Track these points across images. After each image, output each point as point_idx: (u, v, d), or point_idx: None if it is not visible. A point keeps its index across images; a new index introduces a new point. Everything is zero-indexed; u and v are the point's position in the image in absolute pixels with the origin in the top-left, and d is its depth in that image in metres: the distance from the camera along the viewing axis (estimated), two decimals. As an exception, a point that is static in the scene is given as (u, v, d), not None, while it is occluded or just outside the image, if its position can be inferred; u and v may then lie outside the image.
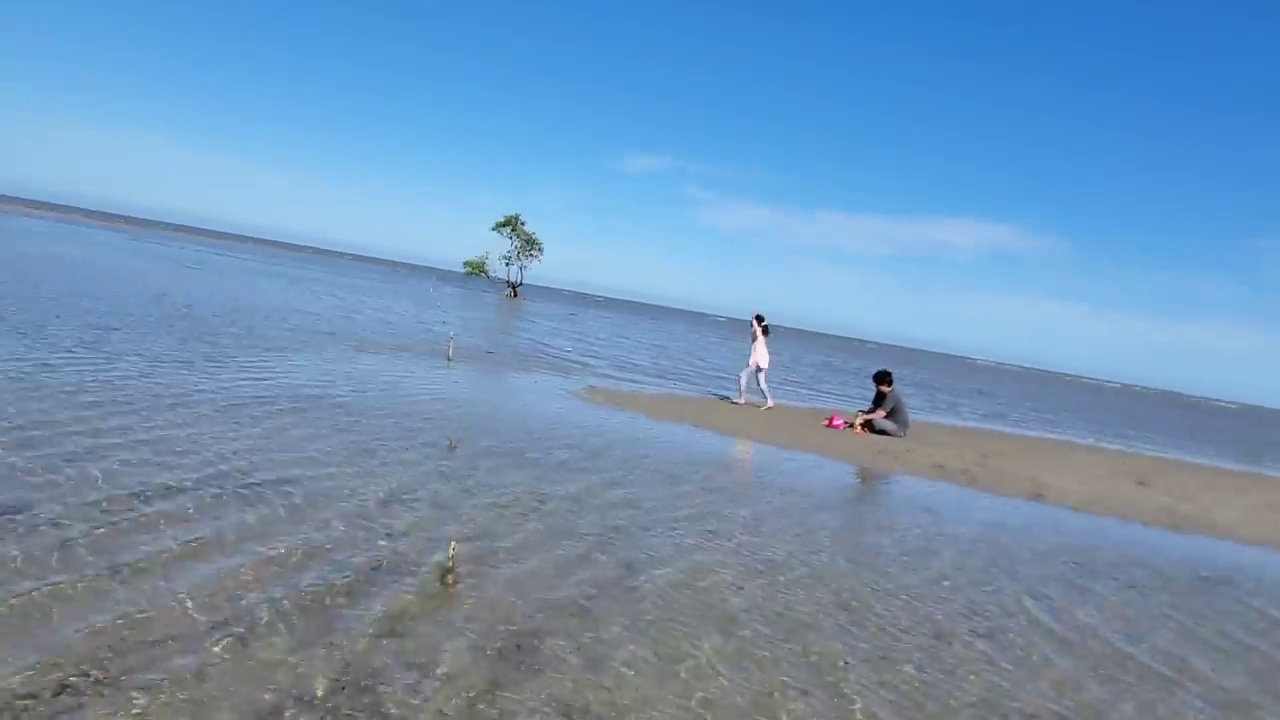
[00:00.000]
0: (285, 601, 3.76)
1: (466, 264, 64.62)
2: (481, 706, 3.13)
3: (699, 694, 3.48)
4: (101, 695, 2.85)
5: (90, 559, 3.89)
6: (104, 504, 4.61)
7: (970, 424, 19.35)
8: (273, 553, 4.31)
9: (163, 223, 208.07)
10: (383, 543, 4.71)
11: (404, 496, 5.69)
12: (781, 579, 5.19)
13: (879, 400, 13.94)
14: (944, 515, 8.01)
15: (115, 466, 5.30)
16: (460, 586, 4.24)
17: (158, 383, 8.29)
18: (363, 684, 3.17)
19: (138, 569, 3.87)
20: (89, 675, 2.96)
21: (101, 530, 4.24)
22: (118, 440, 5.92)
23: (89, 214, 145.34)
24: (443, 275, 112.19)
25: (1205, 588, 6.70)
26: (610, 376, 17.14)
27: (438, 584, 4.23)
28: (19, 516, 4.26)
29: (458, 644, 3.61)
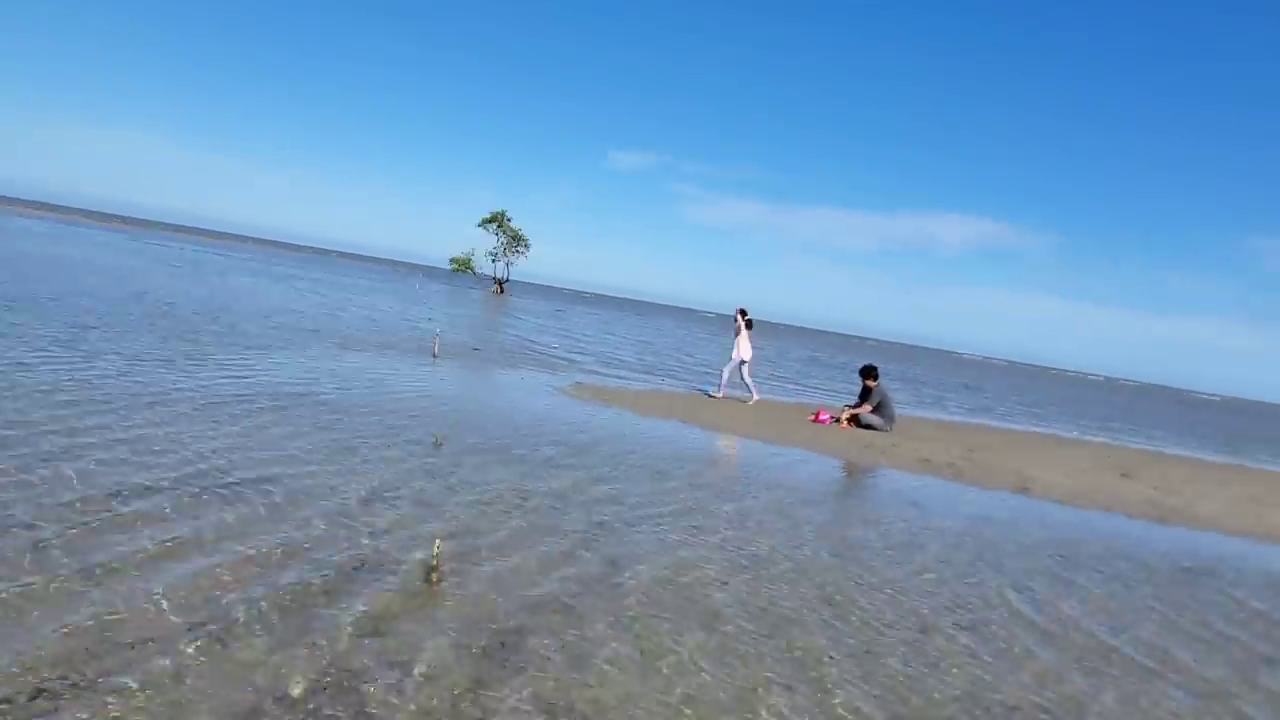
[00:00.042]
0: (265, 601, 3.71)
1: (453, 261, 64.39)
2: (465, 705, 3.10)
3: (682, 690, 3.46)
4: (78, 698, 2.80)
5: (65, 560, 3.83)
6: (78, 504, 4.53)
7: (957, 418, 19.46)
8: (252, 552, 4.26)
9: (162, 223, 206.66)
10: (365, 541, 4.66)
11: (386, 494, 5.64)
12: (766, 574, 5.18)
13: (865, 395, 13.98)
14: (930, 509, 8.03)
15: (91, 466, 5.22)
16: (444, 584, 4.20)
17: (136, 381, 8.18)
18: (345, 684, 3.13)
19: (112, 570, 3.80)
20: (66, 678, 2.90)
21: (75, 531, 4.17)
22: (94, 440, 5.83)
23: (88, 214, 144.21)
24: (429, 272, 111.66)
25: (1188, 579, 6.75)
26: (597, 373, 17.11)
27: (421, 582, 4.19)
28: (-9, 517, 4.18)
29: (441, 642, 3.58)
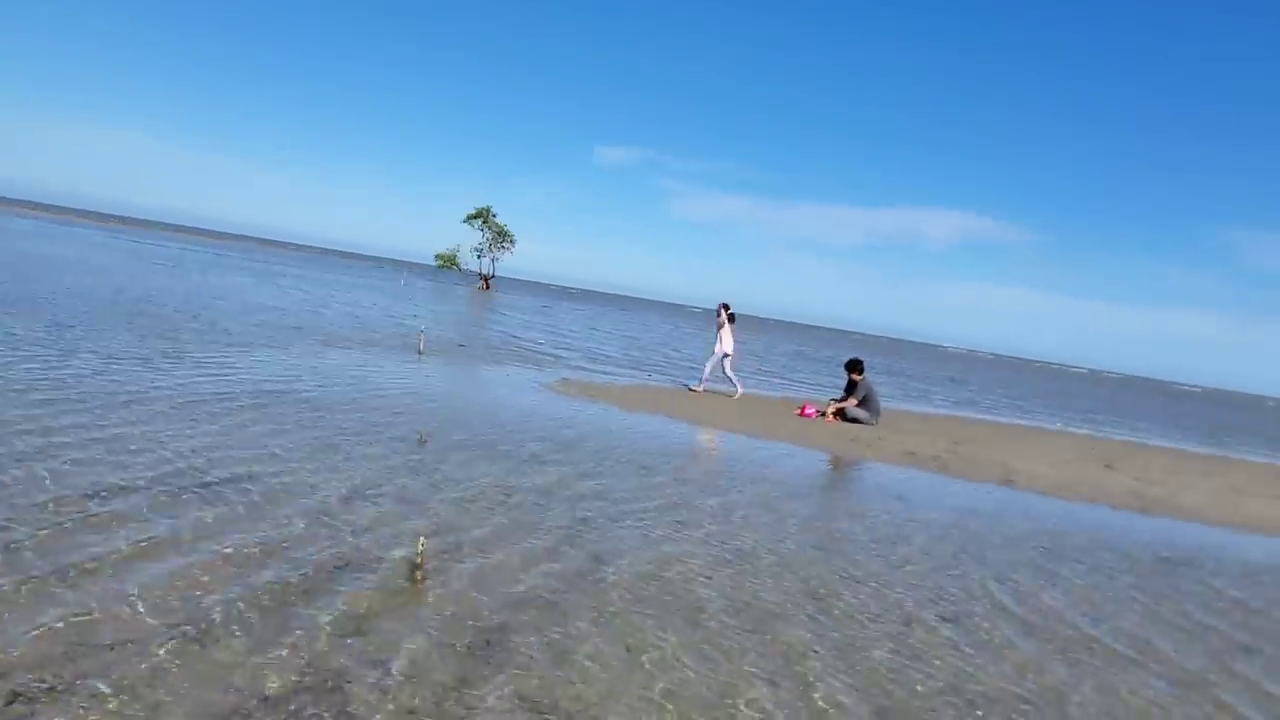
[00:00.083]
0: (243, 601, 3.66)
1: (438, 257, 64.08)
2: (449, 704, 3.07)
3: (664, 686, 3.44)
4: (55, 702, 2.75)
5: (37, 561, 3.76)
6: (51, 505, 4.45)
7: (942, 411, 19.56)
8: (230, 551, 4.20)
9: (161, 223, 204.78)
10: (348, 539, 4.62)
11: (368, 492, 5.59)
12: (750, 568, 5.17)
13: (851, 388, 14.02)
14: (915, 502, 8.06)
15: (65, 466, 5.14)
16: (427, 582, 4.16)
17: (113, 380, 8.07)
18: (328, 684, 3.09)
19: (86, 570, 3.74)
20: (43, 682, 2.85)
21: (47, 531, 4.09)
22: (69, 439, 5.74)
23: (85, 214, 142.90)
24: (414, 269, 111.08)
25: (1168, 569, 6.81)
26: (583, 368, 17.07)
27: (404, 580, 4.15)
28: (-38, 519, 4.10)
29: (423, 640, 3.54)
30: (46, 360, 8.48)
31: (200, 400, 7.77)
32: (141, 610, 3.46)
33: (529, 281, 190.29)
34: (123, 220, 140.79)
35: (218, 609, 3.56)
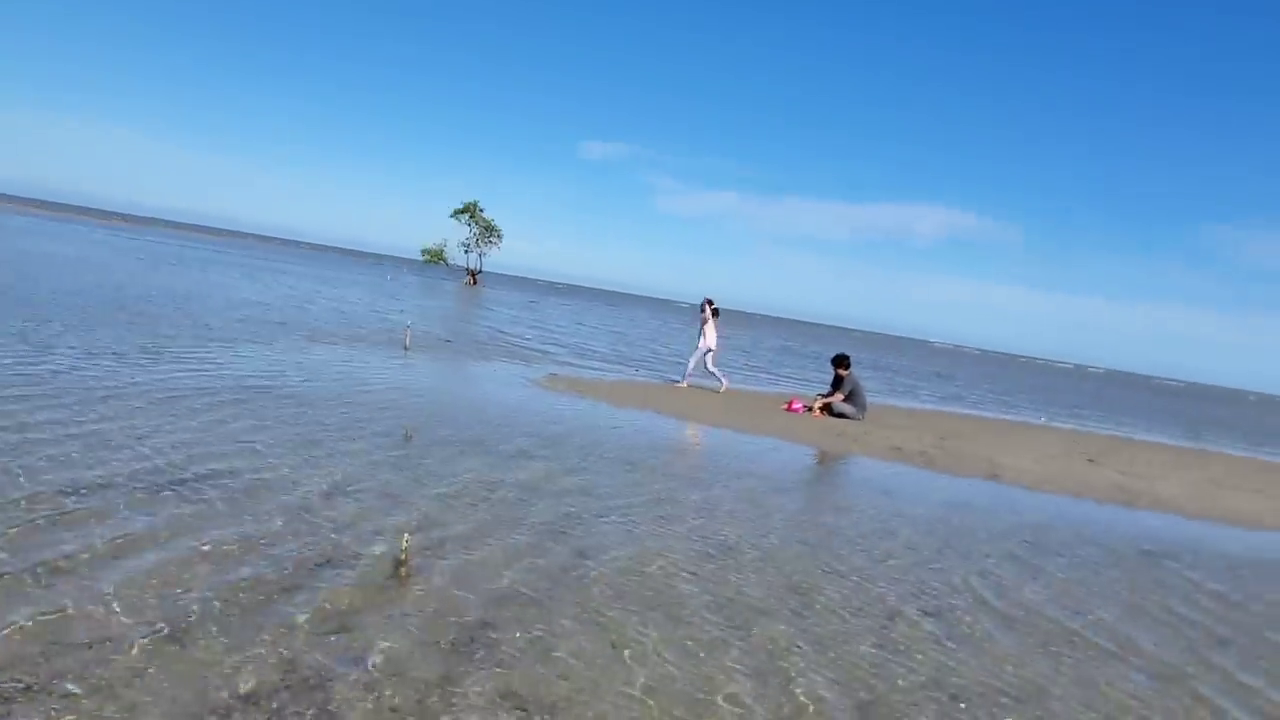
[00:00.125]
0: (223, 599, 3.62)
1: (425, 252, 63.70)
2: (432, 700, 3.05)
3: (646, 681, 3.43)
4: (32, 701, 2.71)
5: (9, 559, 3.70)
6: (24, 502, 4.38)
7: (928, 406, 19.66)
8: (208, 548, 4.15)
9: (162, 220, 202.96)
10: (330, 535, 4.58)
11: (350, 488, 5.54)
12: (733, 563, 5.17)
13: (837, 383, 14.06)
14: (901, 497, 8.09)
15: (40, 463, 5.06)
16: (412, 579, 4.13)
17: (91, 375, 7.97)
18: (309, 682, 3.06)
19: (61, 569, 3.68)
20: (19, 681, 2.80)
21: (18, 529, 4.03)
22: (44, 435, 5.66)
23: (87, 211, 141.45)
24: (400, 263, 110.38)
25: (1150, 563, 6.87)
26: (571, 364, 17.03)
27: (387, 577, 4.12)
28: (-66, 517, 4.03)
29: (405, 637, 3.52)
30: (23, 355, 8.36)
31: (181, 395, 7.68)
32: (118, 609, 3.41)
33: (516, 277, 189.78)
34: (124, 218, 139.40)
35: (196, 607, 3.52)
